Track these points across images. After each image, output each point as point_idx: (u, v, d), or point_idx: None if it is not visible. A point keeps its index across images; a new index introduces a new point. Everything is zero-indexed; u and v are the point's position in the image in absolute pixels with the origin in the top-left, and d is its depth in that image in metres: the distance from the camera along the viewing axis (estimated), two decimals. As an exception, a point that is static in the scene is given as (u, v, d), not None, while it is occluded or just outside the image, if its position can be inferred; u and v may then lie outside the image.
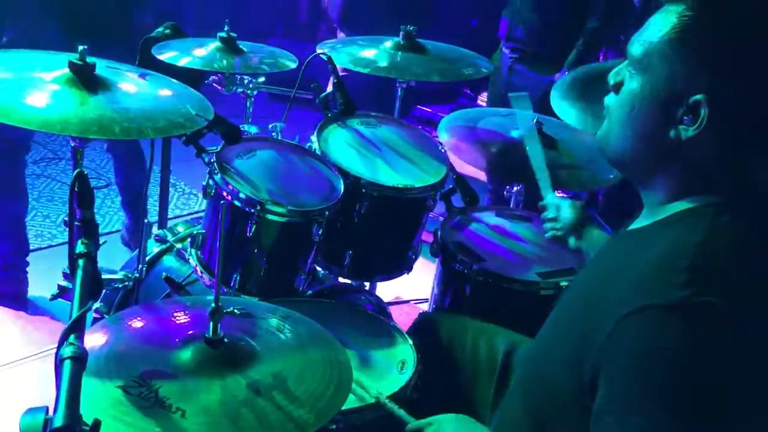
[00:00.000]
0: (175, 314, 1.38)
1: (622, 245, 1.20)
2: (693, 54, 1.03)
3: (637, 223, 1.19)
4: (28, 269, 3.04)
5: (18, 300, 2.99)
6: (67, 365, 0.95)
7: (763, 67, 1.00)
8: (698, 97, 1.02)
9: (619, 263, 1.11)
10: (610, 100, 1.18)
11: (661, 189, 1.12)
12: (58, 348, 0.99)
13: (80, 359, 0.97)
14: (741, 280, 0.98)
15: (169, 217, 2.92)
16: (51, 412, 0.91)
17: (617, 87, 1.15)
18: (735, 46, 1.00)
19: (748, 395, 0.94)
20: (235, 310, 1.37)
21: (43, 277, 3.05)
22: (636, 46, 1.10)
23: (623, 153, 1.16)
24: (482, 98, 5.35)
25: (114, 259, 2.48)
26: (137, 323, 1.35)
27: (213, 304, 1.23)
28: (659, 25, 1.07)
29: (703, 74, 1.02)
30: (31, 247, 3.28)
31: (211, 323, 1.24)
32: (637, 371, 0.95)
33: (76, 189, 1.17)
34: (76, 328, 1.01)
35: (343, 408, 1.30)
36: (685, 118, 1.04)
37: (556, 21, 3.36)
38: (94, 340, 1.27)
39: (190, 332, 1.30)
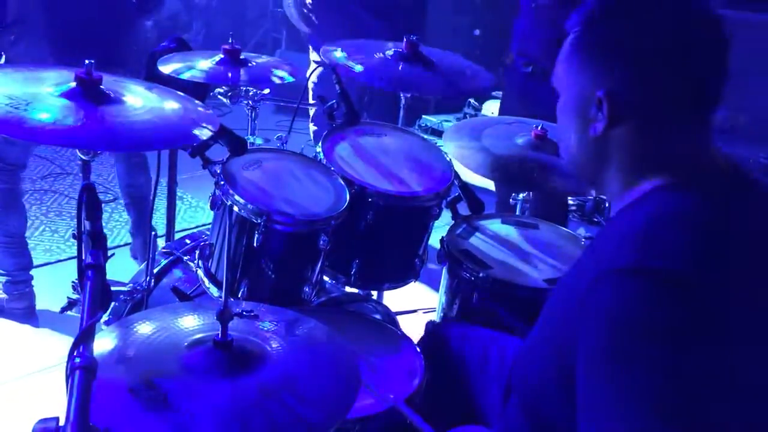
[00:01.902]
0: (183, 318, 1.39)
1: (596, 238, 1.30)
2: (586, 59, 1.19)
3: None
4: (33, 283, 3.05)
5: (27, 314, 3.01)
6: (78, 375, 0.96)
7: (645, 56, 1.13)
8: (599, 93, 1.16)
9: (589, 251, 1.22)
10: None
11: (614, 184, 1.22)
12: (69, 359, 1.00)
13: (90, 369, 0.98)
14: (688, 246, 1.03)
15: (176, 230, 2.93)
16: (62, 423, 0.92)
17: None
18: (618, 44, 1.15)
19: (699, 358, 0.96)
20: (243, 312, 1.38)
21: (52, 291, 3.07)
22: (553, 73, 1.26)
23: (571, 162, 1.28)
24: (487, 107, 5.36)
25: (123, 272, 2.50)
26: (146, 327, 1.36)
27: (221, 307, 1.24)
28: (562, 50, 1.23)
29: (598, 74, 1.17)
30: (40, 262, 3.31)
31: (220, 326, 1.25)
32: (599, 335, 1.00)
33: (84, 201, 1.18)
34: (86, 338, 1.02)
35: (354, 416, 1.31)
36: (598, 114, 1.17)
37: None
38: (104, 344, 1.28)
39: (199, 335, 1.31)
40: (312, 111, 3.92)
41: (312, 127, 4.02)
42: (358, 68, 2.37)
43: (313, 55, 3.88)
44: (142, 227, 3.33)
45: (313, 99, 3.46)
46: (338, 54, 2.42)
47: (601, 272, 1.04)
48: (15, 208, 2.99)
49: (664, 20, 1.14)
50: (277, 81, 2.45)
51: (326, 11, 3.85)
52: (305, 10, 3.90)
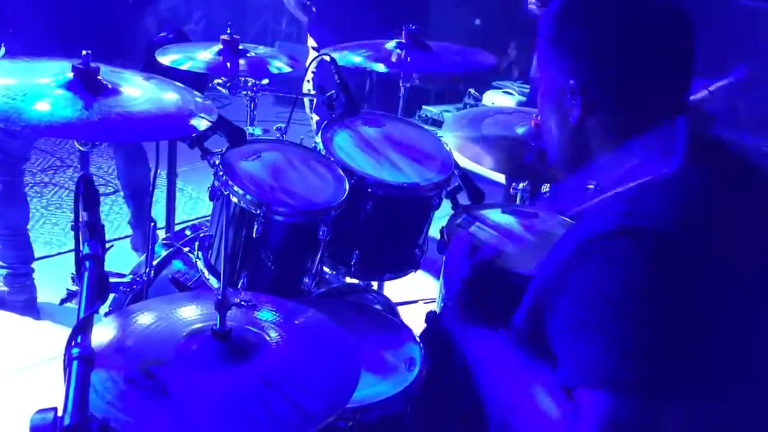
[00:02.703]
0: (181, 308, 1.39)
1: (583, 213, 1.31)
2: (558, 53, 1.25)
3: None
4: (34, 275, 3.05)
5: (27, 306, 3.01)
6: (75, 365, 0.96)
7: (614, 51, 1.19)
8: (571, 83, 1.22)
9: (578, 222, 1.29)
10: None
11: (602, 169, 1.25)
12: (66, 349, 0.99)
13: (88, 359, 0.98)
14: (671, 209, 1.08)
15: (176, 221, 2.93)
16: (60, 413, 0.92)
17: None
18: (582, 42, 1.21)
19: (672, 314, 1.01)
20: (241, 302, 1.38)
21: (53, 283, 3.07)
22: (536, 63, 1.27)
23: (558, 153, 1.32)
24: (488, 98, 5.35)
25: (123, 264, 2.50)
26: (145, 318, 1.36)
27: (219, 297, 1.24)
28: (538, 39, 1.29)
29: (568, 67, 1.23)
30: (40, 255, 3.31)
31: (218, 315, 1.25)
32: (581, 291, 1.06)
33: (81, 192, 1.18)
34: (84, 328, 1.02)
35: (353, 405, 1.30)
36: (573, 103, 1.23)
37: None
38: (103, 334, 1.28)
39: (198, 325, 1.31)
40: (313, 102, 3.90)
41: (314, 117, 4.00)
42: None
43: (312, 43, 3.87)
44: (141, 220, 3.33)
45: (313, 89, 3.45)
46: (357, 59, 2.42)
47: (588, 235, 1.08)
48: (17, 201, 2.99)
49: (624, 19, 1.20)
50: (276, 71, 2.44)
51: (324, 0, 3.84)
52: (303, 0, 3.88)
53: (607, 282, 1.03)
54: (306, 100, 3.86)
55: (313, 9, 3.86)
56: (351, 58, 2.41)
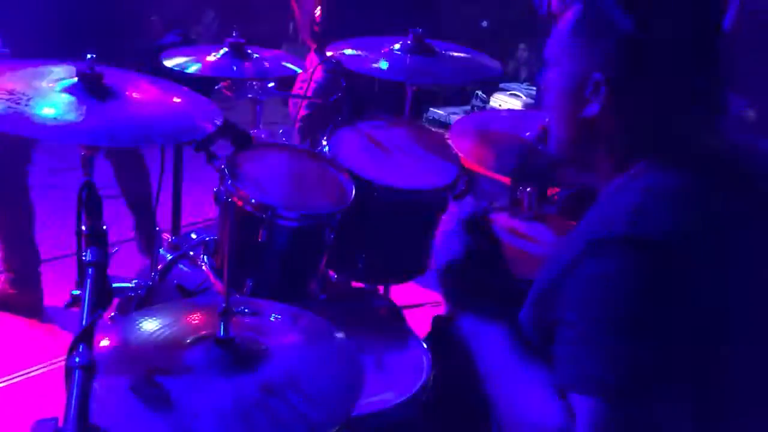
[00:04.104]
0: (186, 315, 1.38)
1: (586, 217, 1.28)
2: (585, 38, 1.17)
3: None
4: (41, 278, 3.05)
5: (33, 309, 3.01)
6: (77, 375, 0.95)
7: (648, 38, 1.12)
8: (596, 76, 1.14)
9: (579, 227, 1.21)
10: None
11: (603, 166, 1.22)
12: (68, 358, 0.98)
13: (90, 369, 0.97)
14: (673, 220, 1.07)
15: (182, 224, 2.92)
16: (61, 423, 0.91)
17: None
18: (620, 24, 1.12)
19: (688, 323, 1.02)
20: (245, 310, 1.37)
21: (59, 286, 3.06)
22: (546, 50, 1.25)
23: (559, 146, 1.27)
24: (495, 100, 5.33)
25: (129, 267, 2.49)
26: (149, 324, 1.35)
27: (223, 305, 1.23)
28: (559, 28, 1.21)
29: (597, 54, 1.15)
30: (48, 257, 3.30)
31: (222, 323, 1.23)
32: (584, 298, 1.06)
33: (83, 198, 1.16)
34: (85, 337, 1.01)
35: (359, 413, 1.29)
36: (592, 96, 1.15)
37: None
38: (106, 341, 1.27)
39: (201, 333, 1.30)
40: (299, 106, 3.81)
41: (299, 125, 3.92)
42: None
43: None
44: (143, 227, 3.31)
45: (314, 95, 3.41)
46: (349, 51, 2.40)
47: (594, 241, 1.07)
48: (22, 204, 2.98)
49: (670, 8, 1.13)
50: (282, 74, 2.43)
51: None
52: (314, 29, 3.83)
53: (609, 291, 1.04)
54: (293, 103, 3.79)
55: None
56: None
